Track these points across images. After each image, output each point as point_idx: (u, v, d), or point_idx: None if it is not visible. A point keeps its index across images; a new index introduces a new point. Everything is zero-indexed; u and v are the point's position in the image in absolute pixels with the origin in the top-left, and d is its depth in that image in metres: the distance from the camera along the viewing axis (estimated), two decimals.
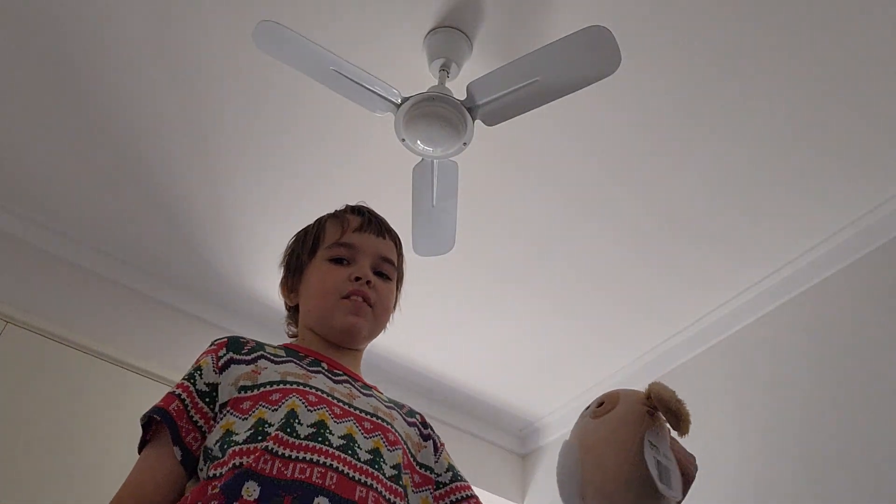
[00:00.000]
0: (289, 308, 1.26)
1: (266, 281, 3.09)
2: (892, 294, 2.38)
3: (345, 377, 1.13)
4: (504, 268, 2.90)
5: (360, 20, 2.18)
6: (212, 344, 1.13)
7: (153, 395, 3.05)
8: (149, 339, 3.02)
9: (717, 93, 2.24)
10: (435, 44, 2.16)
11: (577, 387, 3.39)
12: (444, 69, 2.16)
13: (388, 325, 1.25)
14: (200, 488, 0.93)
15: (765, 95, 2.23)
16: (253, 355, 1.09)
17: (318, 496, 0.90)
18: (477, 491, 3.68)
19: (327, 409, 1.01)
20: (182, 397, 1.03)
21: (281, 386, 1.03)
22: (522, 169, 2.54)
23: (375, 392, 1.18)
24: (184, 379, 1.06)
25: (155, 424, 1.04)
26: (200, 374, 1.06)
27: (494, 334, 3.20)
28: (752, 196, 2.50)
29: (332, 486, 0.92)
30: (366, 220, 1.24)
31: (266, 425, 0.97)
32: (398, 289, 1.28)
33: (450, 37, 2.16)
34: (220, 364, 1.07)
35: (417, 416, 1.23)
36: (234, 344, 1.11)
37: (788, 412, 2.52)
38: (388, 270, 1.23)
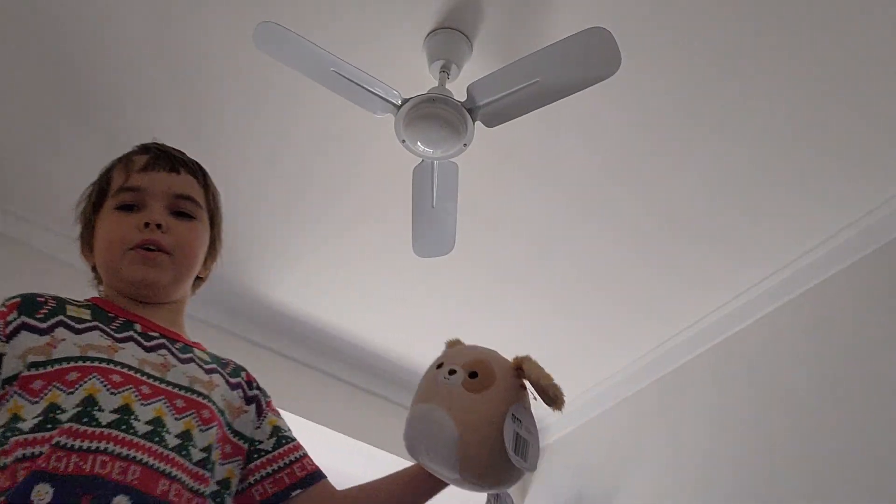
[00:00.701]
0: (93, 270, 1.12)
1: (266, 283, 3.09)
2: (893, 295, 2.38)
3: (160, 339, 1.02)
4: (504, 268, 2.90)
5: (360, 21, 2.18)
6: (1, 305, 0.98)
7: None
8: None
9: (717, 93, 2.24)
10: (435, 45, 2.16)
11: (578, 387, 3.39)
12: (445, 70, 2.16)
13: (199, 267, 1.13)
14: None
15: (765, 95, 2.23)
16: (50, 321, 0.95)
17: (117, 495, 0.83)
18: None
19: (134, 389, 0.92)
20: None
21: (80, 363, 0.91)
22: (522, 170, 2.54)
23: (197, 352, 1.09)
24: None
25: None
26: None
27: (494, 335, 3.20)
28: (753, 196, 2.50)
29: (135, 482, 0.85)
30: (153, 156, 1.10)
31: (58, 411, 0.87)
32: (214, 224, 1.15)
33: (450, 38, 2.15)
34: (7, 330, 0.93)
35: (243, 375, 1.13)
36: (28, 304, 0.97)
37: (789, 413, 2.52)
38: (189, 208, 1.09)
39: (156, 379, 0.96)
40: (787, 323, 2.69)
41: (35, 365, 0.91)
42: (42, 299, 0.99)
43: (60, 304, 1.00)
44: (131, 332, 1.00)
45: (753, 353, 2.76)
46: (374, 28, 2.19)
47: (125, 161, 1.11)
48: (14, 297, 0.99)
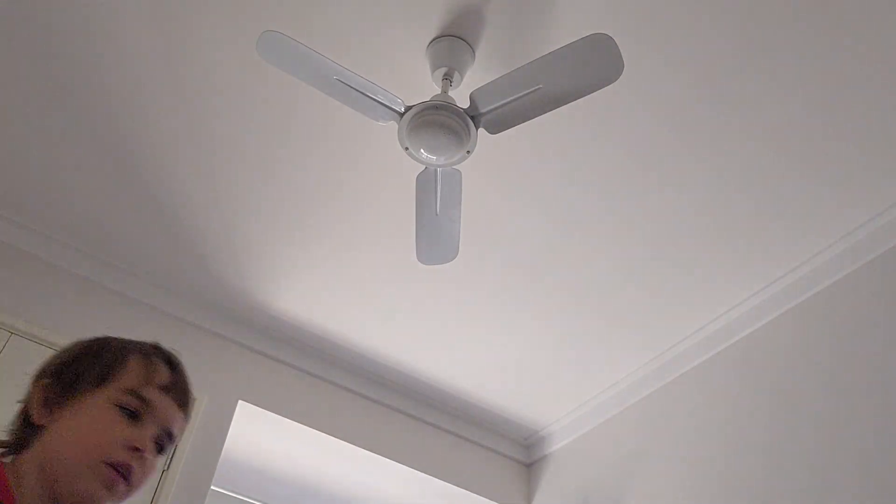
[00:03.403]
0: (27, 423, 0.96)
1: (269, 291, 3.09)
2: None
3: None
4: (508, 278, 2.89)
5: (363, 29, 2.19)
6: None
7: None
8: None
9: (721, 98, 2.24)
10: (438, 52, 2.17)
11: (582, 395, 3.38)
12: (447, 78, 2.16)
13: None
14: None
15: (772, 100, 2.23)
16: None
17: None
18: (483, 500, 3.66)
19: None
20: None
21: None
22: (526, 176, 2.54)
23: None
24: None
25: None
26: None
27: (499, 343, 3.20)
28: (756, 201, 2.50)
29: None
30: (175, 380, 1.03)
31: None
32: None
33: (452, 45, 2.16)
34: None
35: None
36: None
37: (797, 419, 2.51)
38: (167, 445, 1.01)
39: None
40: (793, 328, 2.68)
41: None
42: None
43: None
44: None
45: (759, 359, 2.75)
46: (377, 36, 2.20)
47: (147, 363, 1.01)
48: None
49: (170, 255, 3.00)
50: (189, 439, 2.85)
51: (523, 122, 2.06)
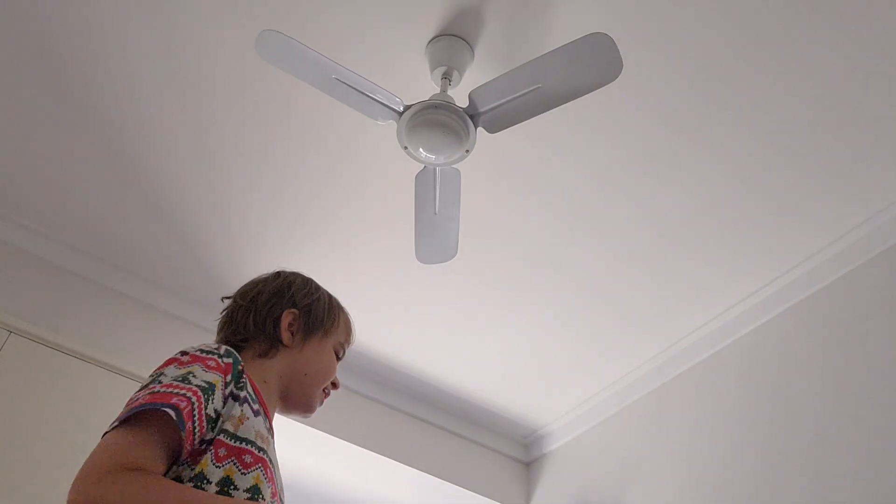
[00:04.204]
0: (272, 339, 1.27)
1: None
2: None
3: (271, 429, 1.20)
4: (507, 276, 2.90)
5: (362, 28, 2.19)
6: (217, 356, 1.10)
7: None
8: (153, 349, 3.02)
9: (719, 100, 2.25)
10: (437, 52, 2.17)
11: (581, 394, 3.39)
12: (446, 77, 2.16)
13: None
14: None
15: (767, 101, 2.23)
16: (242, 394, 1.10)
17: None
18: (482, 499, 3.66)
19: (271, 486, 1.09)
20: (194, 414, 1.00)
21: (252, 449, 1.06)
22: (525, 176, 2.54)
23: None
24: (197, 385, 1.02)
25: (153, 414, 0.99)
26: (212, 395, 1.04)
27: (498, 342, 3.20)
28: (751, 203, 2.50)
29: None
30: (349, 344, 1.40)
31: (232, 487, 1.02)
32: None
33: (451, 44, 2.16)
34: (225, 393, 1.07)
35: None
36: (236, 373, 1.10)
37: (793, 419, 2.51)
38: None
39: (277, 473, 1.15)
40: (793, 327, 2.69)
41: (225, 433, 1.05)
42: (241, 366, 1.13)
43: (247, 377, 1.14)
44: (269, 425, 1.16)
45: (757, 359, 2.75)
46: (376, 35, 2.20)
47: (349, 326, 1.39)
48: (227, 356, 1.11)
49: (169, 253, 3.00)
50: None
51: (522, 121, 2.07)
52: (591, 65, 1.92)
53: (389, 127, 2.28)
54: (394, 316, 3.13)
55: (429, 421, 3.53)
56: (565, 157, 2.46)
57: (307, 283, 1.36)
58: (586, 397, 3.39)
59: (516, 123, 2.07)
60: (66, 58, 2.37)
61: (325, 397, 1.31)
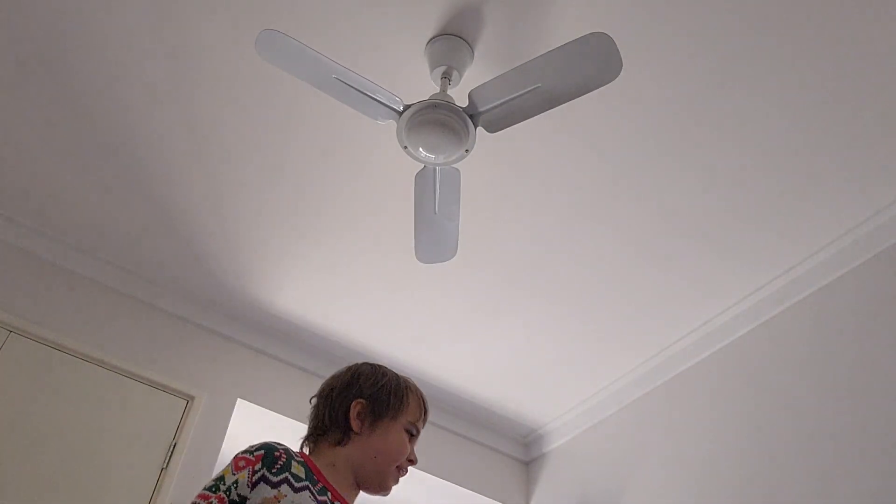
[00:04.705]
0: (344, 429, 1.40)
1: (268, 289, 3.09)
2: None
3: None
4: (506, 275, 2.90)
5: (362, 29, 2.19)
6: (249, 453, 1.25)
7: (156, 404, 3.05)
8: (152, 348, 3.02)
9: (719, 96, 2.25)
10: (436, 51, 2.17)
11: (581, 393, 3.39)
12: (446, 77, 2.16)
13: None
14: None
15: (769, 98, 2.23)
16: (279, 477, 1.23)
17: None
18: (482, 498, 3.66)
19: None
20: None
21: None
22: (525, 175, 2.54)
23: None
24: (221, 489, 1.20)
25: None
26: (236, 486, 1.20)
27: (497, 342, 3.20)
28: (756, 200, 2.51)
29: None
30: (425, 419, 1.50)
31: None
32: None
33: (451, 44, 2.16)
34: (253, 479, 1.21)
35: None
36: (269, 459, 1.24)
37: (792, 418, 2.51)
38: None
39: None
40: (790, 327, 2.69)
41: None
42: (277, 454, 1.25)
43: (288, 459, 1.26)
44: (326, 499, 1.27)
45: (756, 358, 2.76)
46: (376, 35, 2.20)
47: (420, 404, 1.49)
48: (259, 450, 1.25)
49: (170, 253, 3.00)
50: (188, 437, 2.85)
51: (522, 120, 2.07)
52: (590, 65, 1.92)
53: (389, 126, 2.28)
54: (394, 315, 3.14)
55: (429, 420, 3.53)
56: (565, 157, 2.47)
57: (375, 371, 1.49)
58: (586, 397, 3.39)
59: (516, 123, 2.07)
60: (67, 58, 2.37)
61: (402, 474, 1.42)
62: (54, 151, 2.66)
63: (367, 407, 1.42)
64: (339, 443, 1.39)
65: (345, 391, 1.44)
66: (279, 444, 1.29)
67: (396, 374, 1.51)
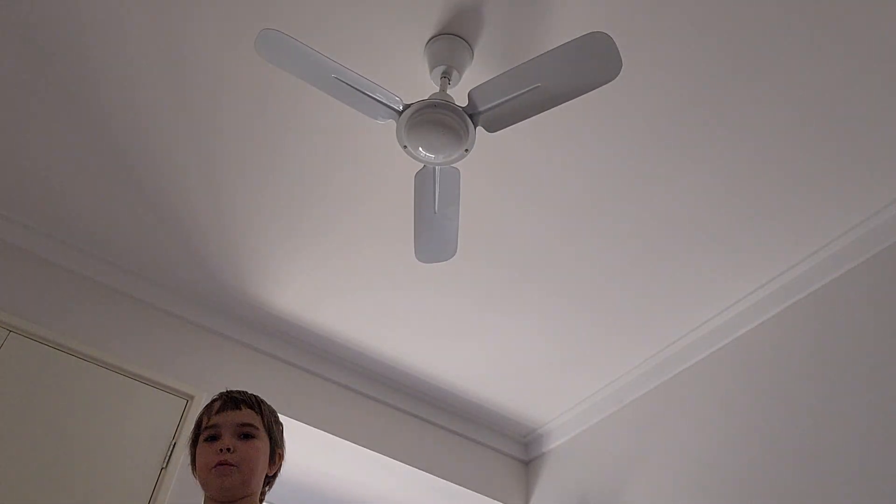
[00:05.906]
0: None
1: (267, 288, 3.09)
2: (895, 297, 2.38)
3: None
4: (507, 274, 2.90)
5: (362, 28, 2.19)
6: None
7: (156, 403, 3.05)
8: (151, 348, 3.02)
9: (719, 96, 2.25)
10: (436, 51, 2.17)
11: (580, 393, 3.39)
12: (446, 76, 2.16)
13: (262, 469, 1.48)
14: None
15: (769, 99, 2.24)
16: None
17: None
18: (481, 498, 3.66)
19: None
20: None
21: None
22: (524, 175, 2.54)
23: None
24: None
25: None
26: None
27: (497, 341, 3.20)
28: (752, 201, 2.51)
29: None
30: (223, 401, 1.50)
31: None
32: (272, 437, 1.54)
33: (451, 44, 2.16)
34: None
35: None
36: None
37: (792, 418, 2.51)
38: (250, 431, 1.47)
39: None
40: (789, 327, 2.69)
41: None
42: None
43: None
44: None
45: (756, 357, 2.76)
46: (376, 34, 2.20)
47: (207, 408, 1.51)
48: None
49: (169, 253, 3.00)
50: (187, 437, 2.85)
51: (522, 120, 2.07)
52: (590, 64, 1.92)
53: (389, 126, 2.28)
54: (394, 315, 3.14)
55: (428, 420, 3.53)
56: (565, 156, 2.47)
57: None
58: (585, 396, 3.39)
59: (516, 123, 2.07)
60: (67, 59, 2.37)
61: (220, 470, 1.43)
62: (54, 151, 2.66)
63: (192, 462, 1.52)
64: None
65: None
66: None
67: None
